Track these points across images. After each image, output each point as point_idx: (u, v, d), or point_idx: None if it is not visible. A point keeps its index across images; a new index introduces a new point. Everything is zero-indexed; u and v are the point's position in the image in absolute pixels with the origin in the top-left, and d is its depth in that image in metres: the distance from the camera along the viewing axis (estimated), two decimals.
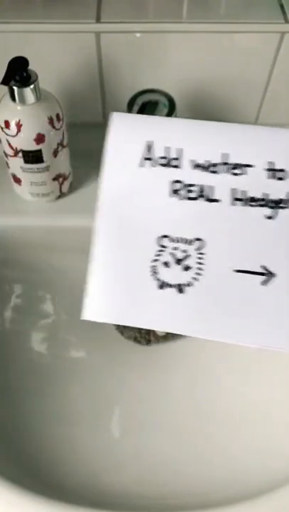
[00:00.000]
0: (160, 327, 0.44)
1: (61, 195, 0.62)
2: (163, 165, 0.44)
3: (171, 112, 0.55)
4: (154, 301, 0.42)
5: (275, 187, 0.43)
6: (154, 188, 0.44)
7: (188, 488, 0.52)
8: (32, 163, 0.56)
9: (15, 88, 0.50)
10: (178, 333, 0.43)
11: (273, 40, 0.57)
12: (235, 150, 0.43)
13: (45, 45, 0.57)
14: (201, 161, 0.43)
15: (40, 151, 0.54)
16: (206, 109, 0.65)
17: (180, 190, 0.43)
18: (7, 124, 0.53)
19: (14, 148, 0.54)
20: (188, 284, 0.42)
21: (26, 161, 0.55)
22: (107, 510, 0.47)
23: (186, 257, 0.43)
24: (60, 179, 0.60)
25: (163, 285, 0.43)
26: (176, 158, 0.43)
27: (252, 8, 0.58)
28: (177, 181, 0.43)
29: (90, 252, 0.64)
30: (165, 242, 0.43)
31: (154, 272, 0.43)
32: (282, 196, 0.43)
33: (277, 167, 0.43)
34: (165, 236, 0.43)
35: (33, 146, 0.54)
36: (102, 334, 0.63)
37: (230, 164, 0.43)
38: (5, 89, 0.51)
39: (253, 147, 0.43)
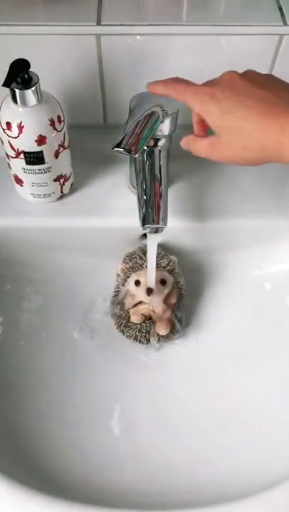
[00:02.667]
0: None
1: (62, 195, 0.63)
2: None
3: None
4: None
5: None
6: None
7: (188, 486, 0.52)
8: (33, 164, 0.56)
9: (16, 90, 0.51)
10: None
11: (272, 42, 0.58)
12: None
13: (47, 48, 0.58)
14: None
15: (41, 152, 0.55)
16: None
17: None
18: (9, 125, 0.53)
19: (16, 149, 0.55)
20: None
21: (28, 163, 0.56)
22: (108, 507, 0.47)
23: None
24: (61, 180, 0.60)
25: None
26: None
27: (251, 11, 0.59)
28: None
29: (90, 252, 0.64)
30: None
31: None
32: None
33: None
34: None
35: (34, 148, 0.54)
36: (103, 333, 0.63)
37: None
38: (7, 91, 0.52)
39: None
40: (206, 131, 0.49)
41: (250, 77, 0.45)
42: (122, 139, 0.50)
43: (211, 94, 0.44)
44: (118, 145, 0.50)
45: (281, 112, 0.41)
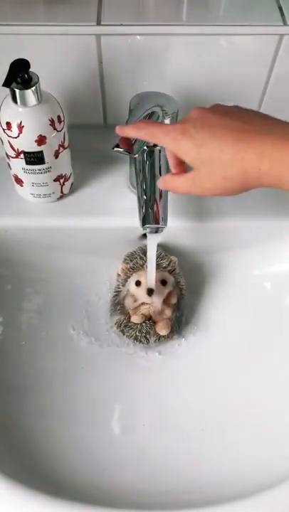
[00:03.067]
0: None
1: (62, 195, 0.63)
2: None
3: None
4: None
5: None
6: None
7: (188, 486, 0.52)
8: (33, 164, 0.56)
9: (16, 90, 0.51)
10: None
11: (272, 42, 0.58)
12: None
13: (47, 48, 0.58)
14: None
15: (41, 152, 0.55)
16: None
17: None
18: (9, 125, 0.53)
19: (16, 149, 0.55)
20: None
21: (28, 163, 0.56)
22: (108, 507, 0.47)
23: None
24: (61, 180, 0.60)
25: None
26: None
27: (251, 11, 0.59)
28: None
29: (90, 252, 0.64)
30: None
31: None
32: None
33: None
34: None
35: (34, 148, 0.54)
36: (103, 333, 0.63)
37: None
38: (7, 91, 0.52)
39: None
40: (185, 171, 0.49)
41: (217, 109, 0.45)
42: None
43: (182, 131, 0.44)
44: (118, 145, 0.50)
45: (254, 137, 0.41)
